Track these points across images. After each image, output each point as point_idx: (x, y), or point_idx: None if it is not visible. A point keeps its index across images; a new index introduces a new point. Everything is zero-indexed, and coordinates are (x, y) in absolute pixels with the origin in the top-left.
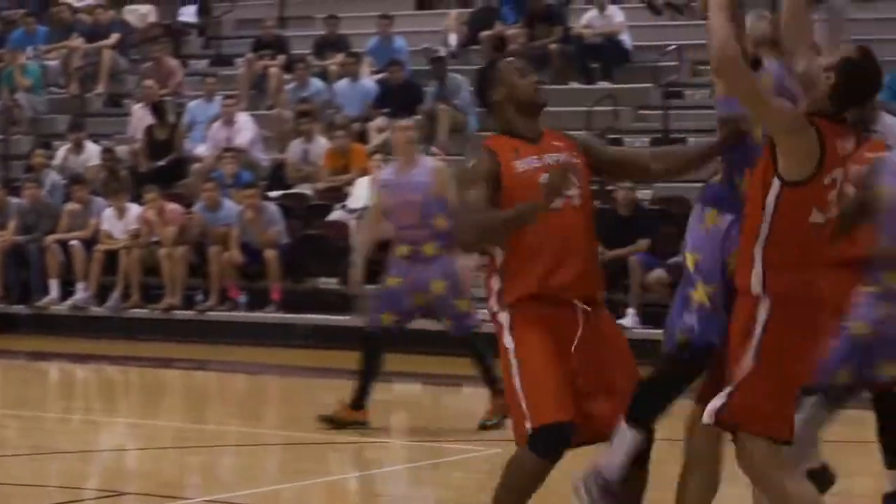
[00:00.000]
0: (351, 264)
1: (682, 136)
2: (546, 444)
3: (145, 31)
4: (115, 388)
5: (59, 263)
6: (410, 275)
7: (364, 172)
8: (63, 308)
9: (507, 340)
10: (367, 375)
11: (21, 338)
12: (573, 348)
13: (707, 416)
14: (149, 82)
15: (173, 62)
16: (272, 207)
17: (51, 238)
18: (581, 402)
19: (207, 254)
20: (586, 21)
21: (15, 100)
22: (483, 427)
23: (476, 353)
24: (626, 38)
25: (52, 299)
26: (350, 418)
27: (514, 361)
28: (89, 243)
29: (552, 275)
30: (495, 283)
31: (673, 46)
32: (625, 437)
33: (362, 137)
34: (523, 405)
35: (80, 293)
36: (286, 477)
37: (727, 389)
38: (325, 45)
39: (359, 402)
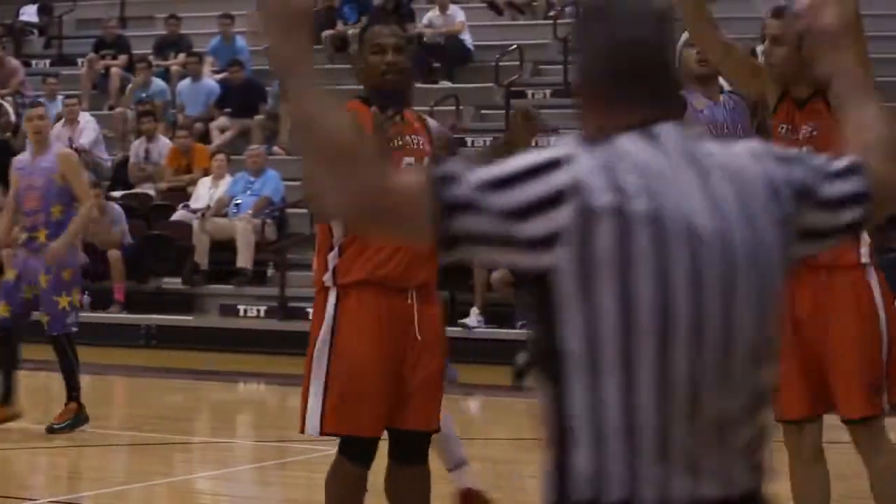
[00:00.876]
0: None
1: None
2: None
3: None
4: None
5: None
6: (26, 266)
7: (206, 172)
8: None
9: (328, 323)
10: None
11: None
12: (418, 336)
13: None
14: None
15: (15, 62)
16: (116, 208)
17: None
18: (404, 398)
19: None
20: (427, 20)
21: None
22: (51, 431)
23: (62, 357)
24: (467, 38)
25: None
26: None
27: (326, 349)
28: None
29: (389, 260)
30: (331, 259)
31: (514, 46)
32: None
33: (204, 137)
34: (325, 402)
35: None
36: (132, 477)
37: None
38: (166, 45)
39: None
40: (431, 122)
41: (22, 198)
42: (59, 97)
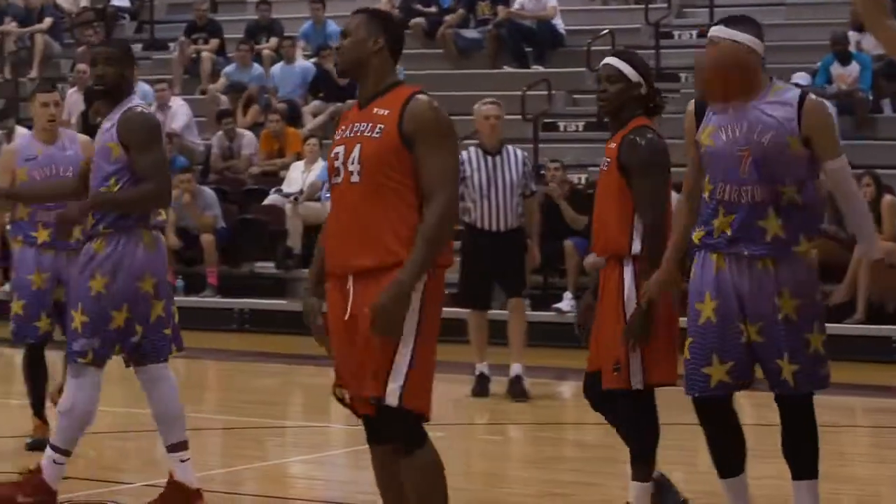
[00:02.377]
0: None
1: None
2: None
3: (78, 15)
4: (54, 372)
5: None
6: (55, 266)
7: (299, 156)
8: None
9: None
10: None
11: None
12: (344, 322)
13: None
14: (82, 67)
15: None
16: (208, 192)
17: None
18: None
19: None
20: (520, 4)
21: None
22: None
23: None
24: (559, 22)
25: None
26: None
27: None
28: None
29: (330, 248)
30: None
31: (606, 31)
32: None
33: (296, 121)
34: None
35: None
36: (224, 461)
37: None
38: (257, 30)
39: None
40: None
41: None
42: (140, 82)
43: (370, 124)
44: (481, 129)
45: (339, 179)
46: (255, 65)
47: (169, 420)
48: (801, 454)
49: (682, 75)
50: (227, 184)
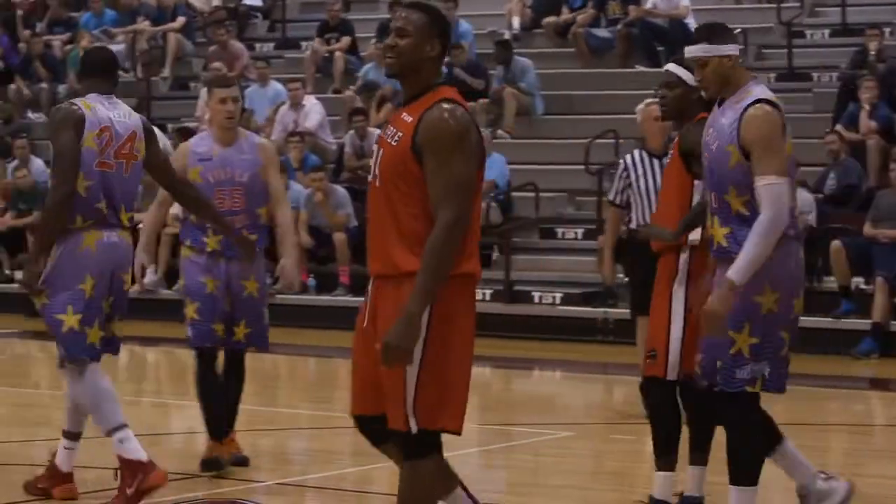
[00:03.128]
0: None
1: None
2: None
3: (211, 14)
4: (186, 370)
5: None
6: (228, 273)
7: None
8: (132, 292)
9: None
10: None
11: None
12: (365, 325)
13: None
14: (215, 65)
15: (239, 45)
16: (340, 190)
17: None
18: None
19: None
20: (652, 4)
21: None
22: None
23: (241, 380)
24: (691, 22)
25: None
26: None
27: None
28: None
29: (367, 249)
30: None
31: (738, 30)
32: None
33: None
34: None
35: (150, 276)
36: (356, 460)
37: None
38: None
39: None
40: None
41: (212, 194)
42: (273, 82)
43: (396, 130)
44: (648, 130)
45: (370, 178)
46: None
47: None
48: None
49: (815, 74)
50: (360, 182)
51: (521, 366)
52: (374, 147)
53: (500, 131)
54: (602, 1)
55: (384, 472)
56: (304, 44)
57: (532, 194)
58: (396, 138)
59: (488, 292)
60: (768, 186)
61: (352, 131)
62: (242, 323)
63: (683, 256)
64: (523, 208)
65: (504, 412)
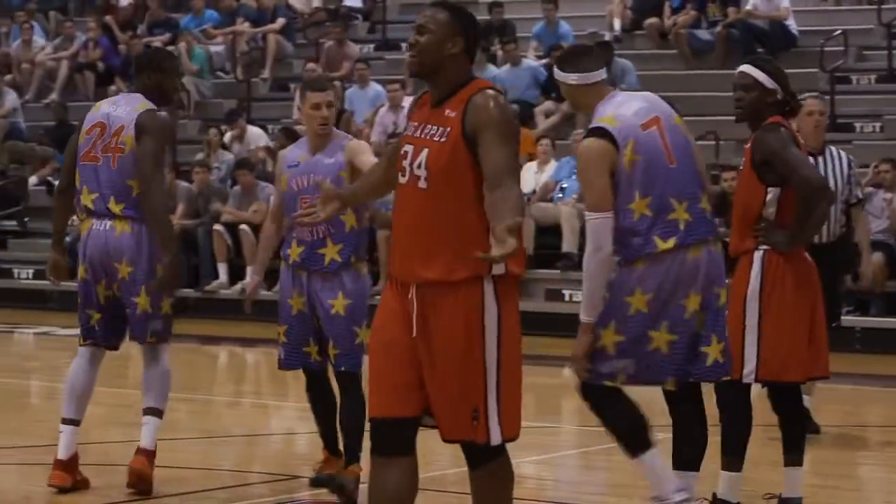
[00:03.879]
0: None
1: (849, 121)
2: (377, 439)
3: (311, 15)
4: (286, 372)
5: (227, 247)
6: (310, 290)
7: (531, 157)
8: (232, 292)
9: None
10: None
11: (190, 322)
12: (413, 334)
13: None
14: (311, 66)
15: (354, 47)
16: None
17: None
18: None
19: (375, 238)
20: (752, 5)
21: (182, 84)
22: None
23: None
24: (791, 23)
25: (220, 283)
26: None
27: None
28: (257, 227)
29: (394, 251)
30: None
31: (838, 31)
32: None
33: (528, 122)
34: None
35: (249, 277)
36: (456, 461)
37: None
38: (490, 30)
39: None
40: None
41: (296, 202)
42: (372, 83)
43: (439, 127)
44: (804, 126)
45: (405, 180)
46: (490, 66)
47: None
48: None
49: None
50: None
51: None
52: (407, 149)
53: None
54: (703, 2)
55: None
56: (403, 45)
57: None
58: (444, 136)
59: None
60: (587, 222)
61: None
62: (330, 343)
63: (757, 260)
64: None
65: None
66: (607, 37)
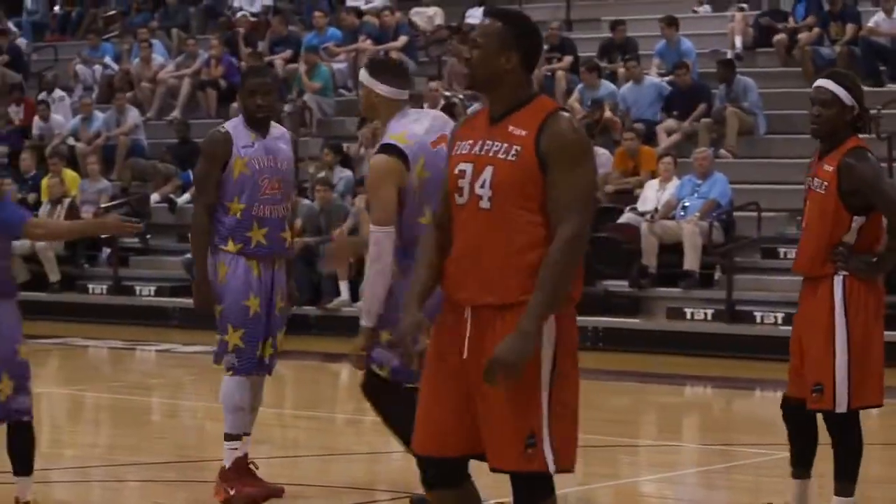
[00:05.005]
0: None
1: None
2: (424, 473)
3: (433, 33)
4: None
5: (348, 265)
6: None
7: (653, 175)
8: (353, 309)
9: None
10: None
11: (312, 339)
12: (464, 358)
13: None
14: (433, 83)
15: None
16: None
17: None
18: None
19: None
20: (874, 23)
21: (304, 102)
22: None
23: None
24: None
25: (342, 301)
26: None
27: None
28: None
29: (449, 272)
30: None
31: None
32: None
33: (651, 139)
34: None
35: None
36: (578, 479)
37: None
38: (611, 48)
39: None
40: None
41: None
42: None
43: (505, 144)
44: None
45: (464, 201)
46: (607, 82)
47: None
48: None
49: None
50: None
51: (742, 385)
52: (465, 168)
53: (722, 150)
54: (826, 20)
55: (606, 491)
56: None
57: (754, 214)
58: (514, 154)
59: (710, 312)
60: (370, 234)
61: None
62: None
63: (838, 286)
64: (745, 228)
65: (725, 432)
66: (729, 55)
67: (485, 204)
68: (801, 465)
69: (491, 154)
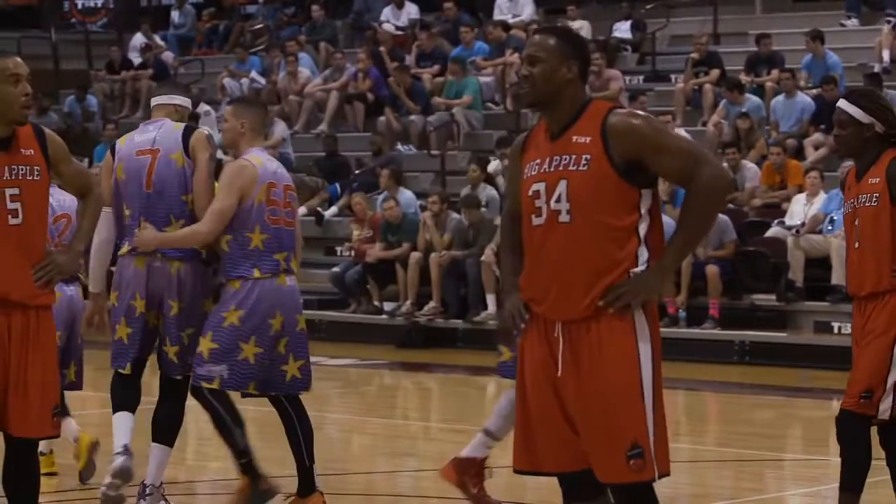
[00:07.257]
0: None
1: None
2: (561, 487)
3: None
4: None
5: (495, 278)
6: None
7: (800, 189)
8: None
9: None
10: None
11: (459, 352)
12: (559, 374)
13: None
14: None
15: (612, 72)
16: (723, 219)
17: (488, 253)
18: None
19: None
20: None
21: (452, 115)
22: None
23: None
24: None
25: (489, 314)
26: None
27: None
28: None
29: (536, 291)
30: None
31: None
32: None
33: (799, 153)
34: None
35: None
36: (723, 493)
37: None
38: (758, 62)
39: None
40: None
41: None
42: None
43: (574, 156)
44: None
45: (542, 220)
46: (753, 97)
47: None
48: None
49: None
50: (730, 215)
51: None
52: (538, 188)
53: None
54: None
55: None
56: (673, 76)
57: None
58: (584, 163)
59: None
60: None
61: (724, 164)
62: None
63: None
64: None
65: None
66: (876, 68)
67: (564, 217)
68: None
69: (562, 168)
